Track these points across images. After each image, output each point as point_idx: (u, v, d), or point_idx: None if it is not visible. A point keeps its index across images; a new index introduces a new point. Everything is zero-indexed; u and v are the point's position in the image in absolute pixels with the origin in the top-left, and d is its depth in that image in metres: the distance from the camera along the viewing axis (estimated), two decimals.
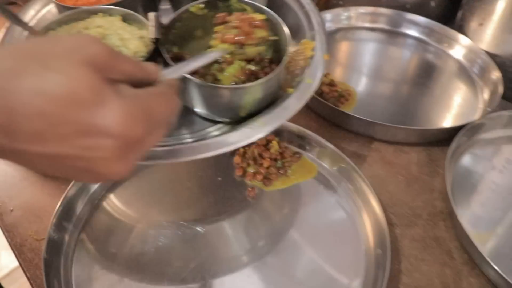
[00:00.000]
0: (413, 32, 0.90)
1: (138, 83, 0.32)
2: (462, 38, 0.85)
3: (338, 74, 0.82)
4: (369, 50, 0.90)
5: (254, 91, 0.47)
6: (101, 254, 0.55)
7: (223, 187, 0.62)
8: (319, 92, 0.74)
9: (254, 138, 0.47)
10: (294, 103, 0.49)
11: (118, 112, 0.27)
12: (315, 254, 0.55)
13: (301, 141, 0.66)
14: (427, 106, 0.77)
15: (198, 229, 0.57)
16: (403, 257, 0.56)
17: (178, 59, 0.49)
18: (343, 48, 0.91)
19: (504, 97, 0.78)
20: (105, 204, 0.60)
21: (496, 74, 0.77)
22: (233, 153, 0.65)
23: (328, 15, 0.90)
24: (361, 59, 0.88)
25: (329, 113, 0.72)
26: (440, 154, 0.68)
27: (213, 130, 0.51)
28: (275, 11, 0.56)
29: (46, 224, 0.55)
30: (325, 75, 0.78)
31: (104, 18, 0.53)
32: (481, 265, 0.55)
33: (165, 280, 0.52)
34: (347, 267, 0.54)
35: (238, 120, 0.49)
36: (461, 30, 0.89)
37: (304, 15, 0.60)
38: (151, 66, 0.34)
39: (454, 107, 0.78)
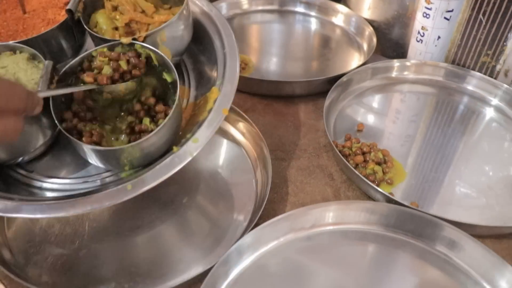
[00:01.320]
0: (300, 8, 1.01)
1: None
2: (340, 7, 0.97)
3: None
4: (262, 29, 1.01)
5: (129, 152, 0.49)
6: None
7: None
8: None
9: (120, 201, 0.47)
10: (168, 166, 0.49)
11: None
12: (215, 189, 0.64)
13: None
14: (320, 70, 0.88)
15: None
16: (290, 182, 0.64)
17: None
18: (241, 31, 1.00)
19: (383, 54, 0.91)
20: None
21: (368, 30, 0.90)
22: None
23: (223, 4, 0.99)
24: (255, 37, 0.99)
25: None
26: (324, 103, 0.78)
27: (108, 175, 0.54)
28: (198, 43, 0.59)
29: None
30: None
31: (11, 57, 0.53)
32: (357, 182, 0.64)
33: None
34: (242, 195, 0.63)
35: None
36: (346, 3, 1.01)
37: (222, 57, 0.57)
38: None
39: (343, 65, 0.89)
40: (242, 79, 0.77)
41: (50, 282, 0.54)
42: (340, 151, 0.66)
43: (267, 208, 0.60)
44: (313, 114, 0.76)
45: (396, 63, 0.82)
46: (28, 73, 0.52)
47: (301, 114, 0.76)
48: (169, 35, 0.55)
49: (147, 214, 0.60)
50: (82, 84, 0.53)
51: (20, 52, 0.54)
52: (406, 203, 0.58)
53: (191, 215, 0.60)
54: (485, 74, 0.80)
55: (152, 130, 0.50)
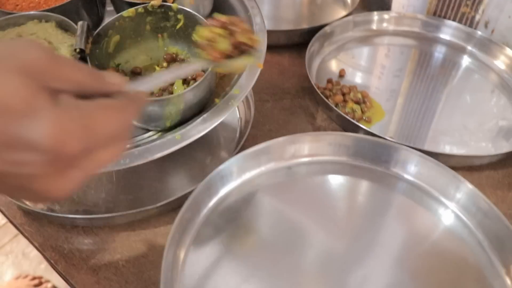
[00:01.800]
0: None
1: (94, 94, 0.28)
2: None
3: None
4: None
5: (174, 103, 0.48)
6: None
7: None
8: None
9: (167, 151, 0.48)
10: (214, 115, 0.50)
11: (50, 125, 0.24)
12: None
13: None
14: (306, 23, 0.91)
15: None
16: (272, 121, 0.67)
17: None
18: None
19: (369, 10, 0.94)
20: None
21: None
22: None
23: None
24: None
25: None
26: None
27: (147, 137, 0.53)
28: (219, 12, 0.57)
29: None
30: None
31: (39, 24, 0.53)
32: (336, 119, 0.67)
33: None
34: (227, 132, 0.65)
35: (167, 129, 0.51)
36: None
37: (247, 19, 0.59)
38: (113, 77, 0.31)
39: (328, 17, 0.90)
40: None
41: (45, 208, 0.57)
42: (321, 93, 0.69)
43: (251, 143, 0.62)
44: (297, 61, 0.78)
45: (375, 15, 0.85)
46: (59, 37, 0.52)
47: (285, 62, 0.79)
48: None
49: None
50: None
51: (46, 21, 0.53)
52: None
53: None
54: (465, 25, 0.83)
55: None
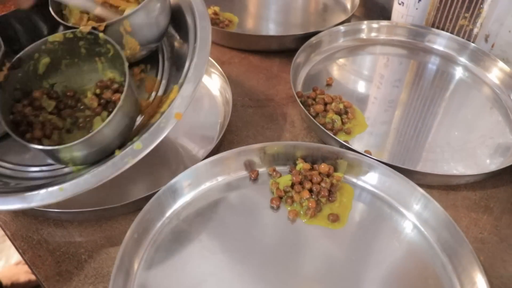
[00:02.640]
0: None
1: None
2: None
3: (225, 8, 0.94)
4: None
5: (67, 152, 0.47)
6: None
7: None
8: None
9: (51, 202, 0.46)
10: (104, 171, 0.46)
11: None
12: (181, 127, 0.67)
13: None
14: (303, 28, 0.90)
15: None
16: (251, 126, 0.68)
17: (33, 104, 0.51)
18: None
19: (370, 19, 0.92)
20: None
21: None
22: None
23: None
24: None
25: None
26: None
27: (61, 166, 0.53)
28: (178, 28, 0.55)
29: None
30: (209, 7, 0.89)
31: None
32: (315, 129, 0.67)
33: None
34: (207, 135, 0.66)
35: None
36: None
37: (192, 52, 0.51)
38: None
39: (325, 24, 0.90)
40: (222, 34, 0.81)
41: None
42: (304, 101, 0.69)
43: (226, 148, 0.63)
44: (286, 68, 0.78)
45: (364, 25, 0.84)
46: None
47: (274, 68, 0.79)
48: (138, 23, 0.52)
49: None
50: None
51: None
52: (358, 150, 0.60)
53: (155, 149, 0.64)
54: (463, 38, 0.81)
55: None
